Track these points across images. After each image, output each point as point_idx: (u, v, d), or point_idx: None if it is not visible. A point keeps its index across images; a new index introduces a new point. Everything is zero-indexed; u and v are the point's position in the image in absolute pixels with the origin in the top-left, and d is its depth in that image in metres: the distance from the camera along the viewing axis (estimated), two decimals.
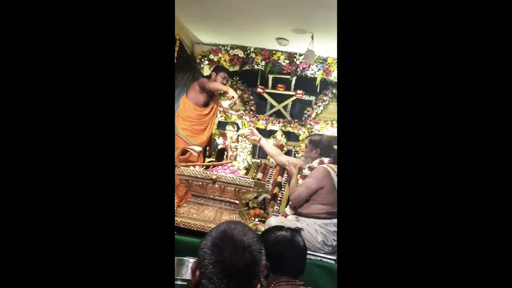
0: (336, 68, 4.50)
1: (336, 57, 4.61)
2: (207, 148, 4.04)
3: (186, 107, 3.68)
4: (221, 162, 3.01)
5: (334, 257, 2.53)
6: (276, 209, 4.03)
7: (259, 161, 4.86)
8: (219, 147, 4.52)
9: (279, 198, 4.24)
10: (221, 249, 1.01)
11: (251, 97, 5.16)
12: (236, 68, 4.92)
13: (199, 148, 3.27)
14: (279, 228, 1.62)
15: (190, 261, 1.71)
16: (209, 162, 3.50)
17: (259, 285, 1.11)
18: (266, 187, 4.27)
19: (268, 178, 4.59)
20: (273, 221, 2.48)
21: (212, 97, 3.79)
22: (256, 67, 4.89)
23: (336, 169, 2.74)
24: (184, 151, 3.27)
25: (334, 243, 2.60)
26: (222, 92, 3.86)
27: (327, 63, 4.61)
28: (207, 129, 3.77)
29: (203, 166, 3.00)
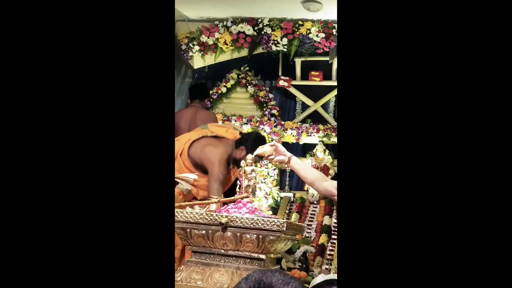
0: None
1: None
2: None
3: None
4: (232, 198, 2.77)
5: None
6: (327, 268, 3.78)
7: (291, 195, 4.53)
8: None
9: (329, 251, 3.85)
10: None
11: (270, 96, 4.80)
12: (244, 52, 4.62)
13: (193, 176, 3.35)
14: (331, 282, 1.73)
15: None
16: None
17: None
18: (307, 235, 4.02)
19: (309, 220, 4.26)
20: (321, 279, 2.54)
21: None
22: (274, 48, 4.56)
23: None
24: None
25: None
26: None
27: None
28: None
29: (205, 205, 2.89)
